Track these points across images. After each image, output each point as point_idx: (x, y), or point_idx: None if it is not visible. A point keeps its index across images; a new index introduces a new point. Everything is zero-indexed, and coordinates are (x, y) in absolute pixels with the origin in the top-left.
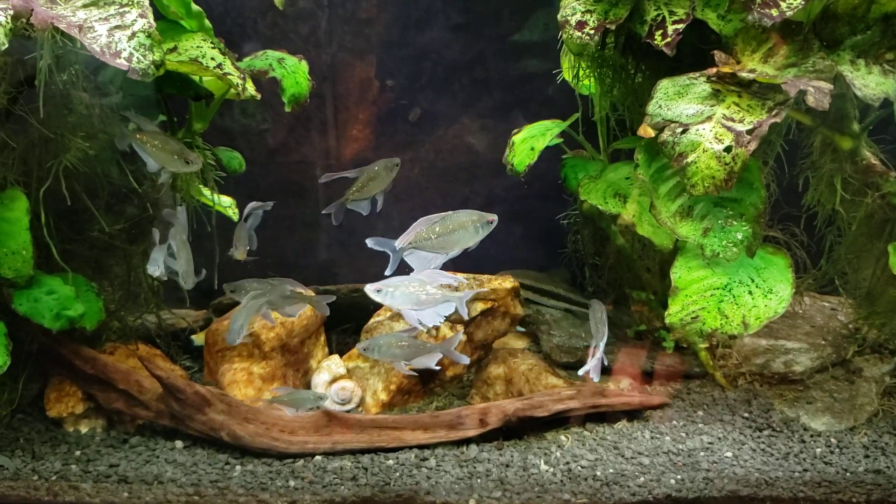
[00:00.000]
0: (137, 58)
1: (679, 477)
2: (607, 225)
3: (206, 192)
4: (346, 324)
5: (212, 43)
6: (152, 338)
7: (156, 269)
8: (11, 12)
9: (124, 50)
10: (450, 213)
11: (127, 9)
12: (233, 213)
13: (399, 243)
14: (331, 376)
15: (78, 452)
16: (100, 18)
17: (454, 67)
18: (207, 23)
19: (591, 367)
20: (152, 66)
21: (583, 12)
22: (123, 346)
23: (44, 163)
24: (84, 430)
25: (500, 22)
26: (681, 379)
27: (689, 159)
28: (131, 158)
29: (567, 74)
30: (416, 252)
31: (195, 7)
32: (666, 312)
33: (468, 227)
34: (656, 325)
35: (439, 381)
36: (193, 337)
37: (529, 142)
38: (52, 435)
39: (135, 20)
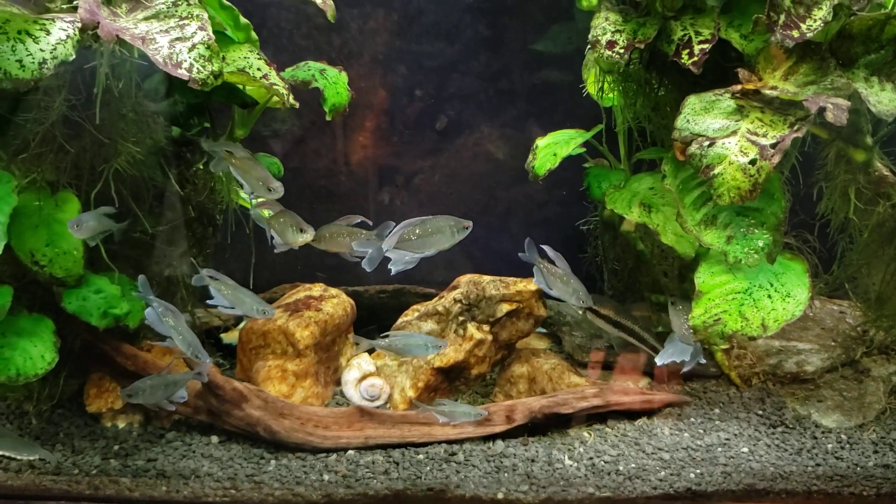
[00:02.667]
0: (197, 68)
1: (698, 471)
2: (627, 231)
3: (244, 194)
4: (372, 324)
5: (258, 54)
6: None
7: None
8: (79, 25)
9: (185, 61)
10: (429, 217)
11: (187, 21)
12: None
13: (385, 246)
14: (360, 373)
15: (116, 447)
16: (160, 31)
17: (479, 79)
18: (254, 35)
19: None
20: (211, 77)
21: (612, 32)
22: (160, 343)
23: (95, 166)
24: (122, 425)
25: (524, 35)
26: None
27: (716, 171)
28: (174, 162)
29: (591, 88)
30: (396, 250)
31: (243, 20)
32: (689, 315)
33: (445, 231)
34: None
35: (464, 380)
36: (223, 335)
37: (553, 147)
38: (90, 430)
39: (195, 32)
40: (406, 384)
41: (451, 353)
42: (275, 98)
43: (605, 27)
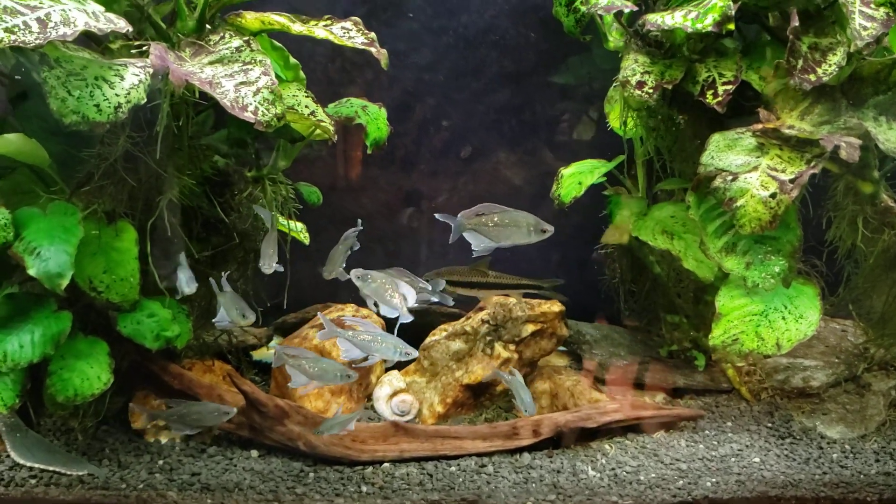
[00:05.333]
0: (262, 111)
1: (714, 480)
2: (645, 256)
3: (283, 220)
4: None
5: (305, 92)
6: (224, 354)
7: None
8: (150, 70)
9: (250, 104)
10: (512, 209)
11: (250, 66)
12: (304, 237)
13: (460, 217)
14: (392, 389)
15: (161, 462)
16: (225, 75)
17: (501, 110)
18: (302, 74)
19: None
20: (274, 119)
21: (642, 73)
22: (200, 361)
23: (149, 197)
24: (164, 440)
25: (544, 70)
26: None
27: (739, 203)
28: (219, 191)
29: (615, 122)
30: (474, 233)
31: (292, 59)
32: (710, 336)
33: (522, 227)
34: (685, 345)
35: (489, 395)
36: (252, 353)
37: (577, 177)
38: (135, 445)
39: (259, 77)
40: (435, 400)
41: (480, 371)
42: (317, 131)
43: (635, 68)
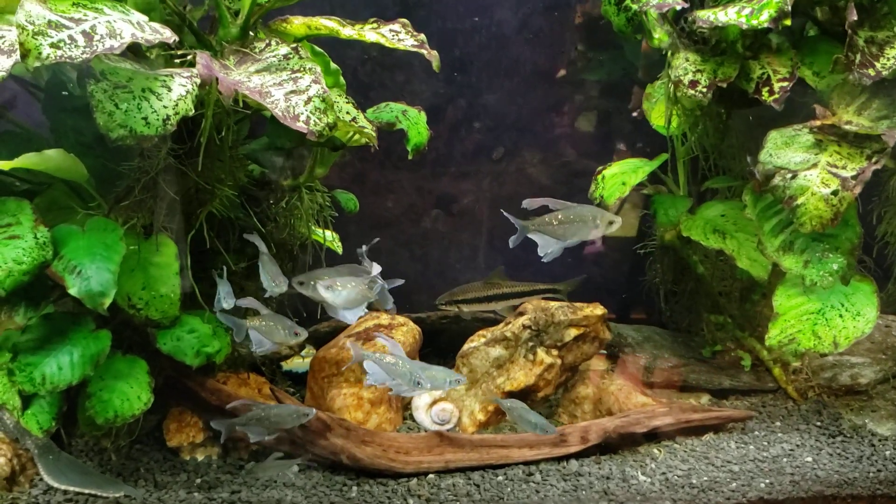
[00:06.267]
0: (314, 121)
1: (768, 481)
2: (688, 255)
3: (318, 230)
4: (428, 349)
5: (346, 98)
6: (257, 365)
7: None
8: (198, 80)
9: (302, 114)
10: (575, 204)
11: (299, 74)
12: (337, 246)
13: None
14: (431, 398)
15: (198, 480)
16: (274, 84)
17: (532, 111)
18: (342, 80)
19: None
20: (326, 128)
21: (694, 72)
22: (235, 375)
23: (189, 210)
24: (200, 457)
25: (573, 68)
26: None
27: (799, 201)
28: (255, 201)
29: (658, 119)
30: (539, 234)
31: (333, 65)
32: (766, 336)
33: (588, 221)
34: (729, 345)
35: (531, 402)
36: (282, 363)
37: (621, 177)
38: (170, 464)
39: (309, 85)
40: (475, 408)
41: (522, 378)
42: (356, 137)
43: (686, 67)
